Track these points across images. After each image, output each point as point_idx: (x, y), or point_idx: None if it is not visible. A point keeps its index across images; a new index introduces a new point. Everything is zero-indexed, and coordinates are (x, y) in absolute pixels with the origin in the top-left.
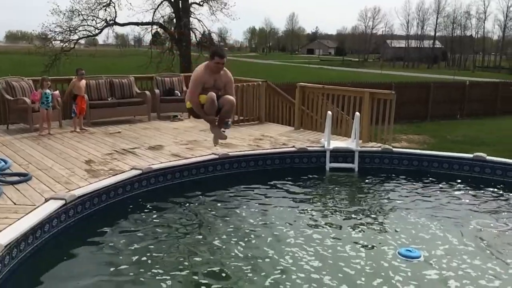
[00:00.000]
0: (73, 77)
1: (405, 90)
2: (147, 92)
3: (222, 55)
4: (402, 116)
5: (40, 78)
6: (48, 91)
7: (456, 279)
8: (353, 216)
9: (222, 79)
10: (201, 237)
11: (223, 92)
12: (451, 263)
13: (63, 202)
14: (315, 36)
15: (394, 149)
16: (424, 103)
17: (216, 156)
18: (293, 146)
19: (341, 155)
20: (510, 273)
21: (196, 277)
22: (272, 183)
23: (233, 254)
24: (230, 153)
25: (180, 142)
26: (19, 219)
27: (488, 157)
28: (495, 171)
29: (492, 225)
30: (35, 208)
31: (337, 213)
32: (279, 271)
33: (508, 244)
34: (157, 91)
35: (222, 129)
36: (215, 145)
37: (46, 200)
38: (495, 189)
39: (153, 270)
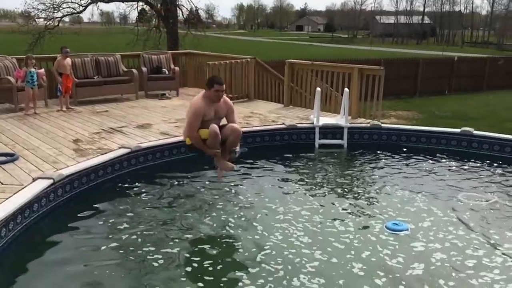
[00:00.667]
0: (58, 55)
1: (394, 66)
2: (134, 70)
3: (221, 82)
4: (391, 92)
5: (25, 56)
6: (33, 69)
7: (442, 251)
8: (341, 191)
9: (223, 108)
10: (190, 214)
11: (227, 120)
12: (438, 235)
13: (51, 181)
14: (304, 12)
15: (383, 125)
16: (413, 79)
17: None
18: (283, 123)
19: (330, 131)
20: (492, 243)
21: (188, 255)
22: (261, 160)
23: (224, 231)
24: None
25: (168, 120)
26: (7, 198)
27: (475, 132)
28: (482, 145)
29: (477, 198)
30: (23, 188)
31: (326, 189)
32: (268, 247)
33: (492, 216)
34: (144, 69)
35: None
36: (219, 180)
37: (34, 180)
38: (482, 163)
39: (144, 249)
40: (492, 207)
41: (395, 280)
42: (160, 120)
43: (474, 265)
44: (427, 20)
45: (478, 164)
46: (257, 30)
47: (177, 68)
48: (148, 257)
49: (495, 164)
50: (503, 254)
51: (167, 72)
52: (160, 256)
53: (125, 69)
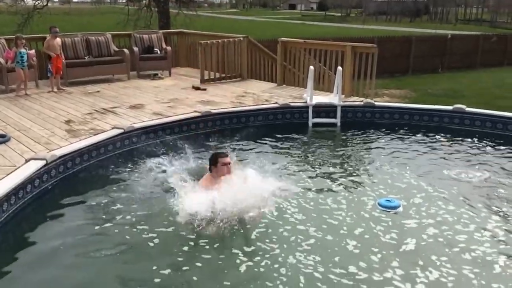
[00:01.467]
0: (48, 35)
1: (387, 45)
2: (126, 50)
3: (225, 153)
4: (384, 71)
5: (14, 37)
6: (23, 50)
7: (434, 226)
8: (333, 169)
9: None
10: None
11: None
12: (429, 211)
13: (44, 162)
14: None
15: (376, 103)
16: (406, 58)
17: (199, 114)
18: (276, 103)
19: (323, 110)
20: (482, 216)
21: (183, 233)
22: (254, 139)
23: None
24: (212, 111)
25: (161, 100)
26: (0, 180)
27: (468, 109)
28: (474, 122)
29: (468, 174)
30: (16, 169)
31: (319, 167)
32: (264, 224)
33: (483, 192)
34: (135, 48)
35: None
36: None
37: (27, 161)
38: (474, 140)
39: (138, 227)
40: (482, 183)
41: (390, 256)
42: (152, 101)
43: (466, 240)
44: None
45: (470, 141)
46: (250, 9)
47: (169, 48)
48: (143, 235)
49: (486, 141)
50: (493, 228)
51: (159, 52)
52: (154, 235)
53: (116, 49)
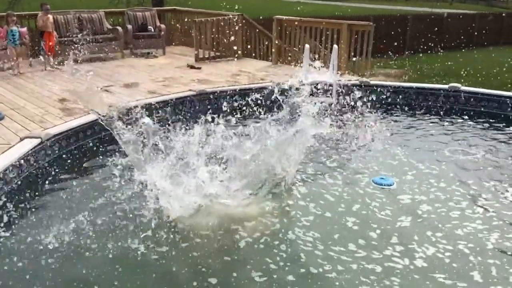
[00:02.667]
0: (39, 12)
1: (383, 24)
2: (119, 28)
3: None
4: (379, 50)
5: (5, 14)
6: (14, 28)
7: (427, 203)
8: (328, 148)
9: None
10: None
11: None
12: (421, 188)
13: (39, 140)
14: None
15: (372, 82)
16: (402, 37)
17: (194, 92)
18: (271, 81)
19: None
20: (473, 194)
21: (180, 208)
22: (250, 119)
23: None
24: (207, 89)
25: (156, 79)
26: None
27: (463, 87)
28: (469, 101)
29: (462, 152)
30: (10, 147)
31: (313, 144)
32: (264, 200)
33: (475, 169)
34: (129, 26)
35: None
36: None
37: (22, 139)
38: (468, 119)
39: (132, 200)
40: (475, 161)
41: (387, 232)
42: (147, 79)
43: (458, 216)
44: None
45: (465, 120)
46: None
47: (163, 26)
48: (136, 212)
49: (481, 120)
50: (484, 205)
51: (152, 30)
52: (146, 213)
53: (109, 27)
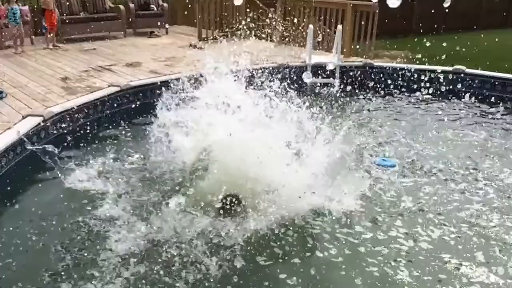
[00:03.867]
0: None
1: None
2: (121, 6)
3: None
4: (385, 32)
5: None
6: (15, 6)
7: (428, 184)
8: (330, 129)
9: None
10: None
11: None
12: (423, 169)
13: (41, 118)
14: None
15: (375, 64)
16: (408, 18)
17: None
18: (274, 62)
19: (322, 70)
20: (473, 177)
21: (178, 187)
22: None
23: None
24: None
25: (158, 59)
26: None
27: (467, 70)
28: (473, 83)
29: (465, 134)
30: (13, 125)
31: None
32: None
33: (477, 151)
34: (131, 5)
35: None
36: None
37: (24, 117)
38: (472, 101)
39: (132, 179)
40: (477, 143)
41: (391, 215)
42: (149, 59)
43: (459, 198)
44: None
45: (469, 102)
46: None
47: (165, 4)
48: (139, 188)
49: (485, 102)
50: (484, 186)
51: (155, 9)
52: (149, 182)
53: (111, 5)
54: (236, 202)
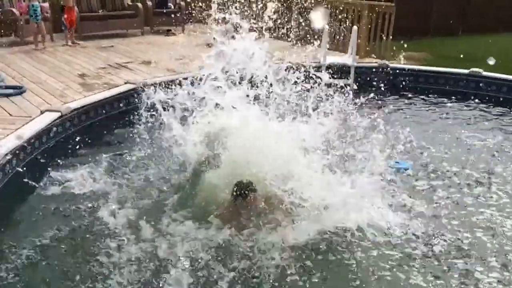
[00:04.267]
0: None
1: (406, 5)
2: (139, 4)
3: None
4: (402, 33)
5: None
6: (36, 3)
7: (442, 188)
8: (343, 132)
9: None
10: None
11: None
12: (437, 172)
13: (58, 114)
14: None
15: (391, 65)
16: (427, 18)
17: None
18: (289, 62)
19: (337, 70)
20: (487, 181)
21: (191, 178)
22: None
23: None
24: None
25: (174, 57)
26: (16, 129)
27: (484, 73)
28: (490, 86)
29: (480, 137)
30: (31, 120)
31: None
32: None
33: (492, 155)
34: (149, 3)
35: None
36: None
37: (42, 112)
38: (489, 104)
39: (149, 177)
40: (493, 146)
41: (405, 218)
42: (166, 57)
43: (473, 203)
44: None
45: (485, 105)
46: None
47: (182, 3)
48: (156, 185)
49: (502, 106)
50: (498, 191)
51: (172, 7)
52: (164, 180)
53: (129, 3)
54: (249, 188)
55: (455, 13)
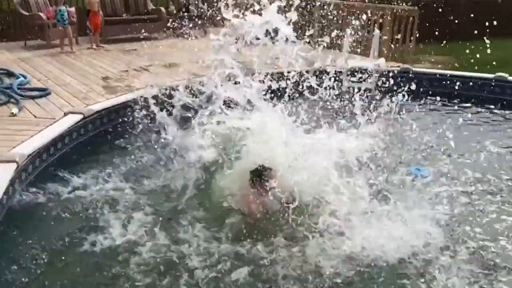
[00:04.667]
0: None
1: (432, 9)
2: (162, 8)
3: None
4: (427, 36)
5: None
6: (63, 7)
7: (464, 195)
8: (364, 136)
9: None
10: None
11: None
12: (460, 179)
13: (81, 116)
14: None
15: (414, 69)
16: (452, 22)
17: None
18: (311, 66)
19: (358, 74)
20: (509, 185)
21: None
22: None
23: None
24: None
25: (196, 60)
26: (40, 131)
27: (510, 78)
28: None
29: (503, 144)
30: (55, 122)
31: (348, 131)
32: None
33: None
34: (172, 7)
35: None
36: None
37: (65, 114)
38: None
39: (167, 177)
40: None
41: (427, 226)
42: (188, 61)
43: (494, 210)
44: None
45: (510, 111)
46: None
47: (205, 7)
48: (176, 185)
49: None
50: None
51: (195, 11)
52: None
53: (153, 7)
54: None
55: (482, 16)
